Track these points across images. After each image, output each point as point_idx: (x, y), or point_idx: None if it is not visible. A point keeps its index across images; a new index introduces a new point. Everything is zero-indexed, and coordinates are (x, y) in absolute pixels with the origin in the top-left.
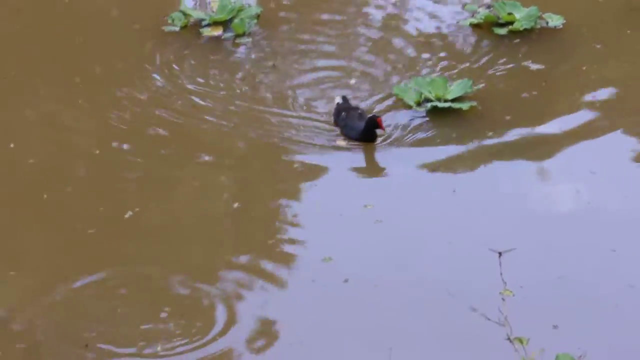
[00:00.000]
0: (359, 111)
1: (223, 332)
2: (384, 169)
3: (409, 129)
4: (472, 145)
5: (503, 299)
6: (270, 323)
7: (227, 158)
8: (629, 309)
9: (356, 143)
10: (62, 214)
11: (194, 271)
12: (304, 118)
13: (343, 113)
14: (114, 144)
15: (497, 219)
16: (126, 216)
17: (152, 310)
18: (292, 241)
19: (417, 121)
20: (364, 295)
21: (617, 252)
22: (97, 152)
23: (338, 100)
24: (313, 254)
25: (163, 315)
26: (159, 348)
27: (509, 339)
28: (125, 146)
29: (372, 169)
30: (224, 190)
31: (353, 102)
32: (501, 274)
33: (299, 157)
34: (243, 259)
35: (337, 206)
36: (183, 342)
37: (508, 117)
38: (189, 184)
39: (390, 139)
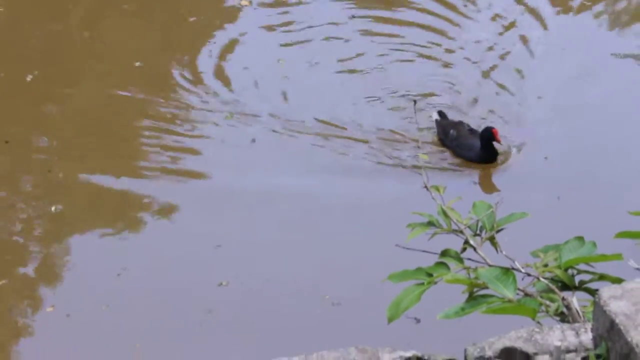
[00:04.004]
0: (467, 127)
1: None
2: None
3: None
4: None
5: (419, 147)
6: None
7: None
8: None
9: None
10: None
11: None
12: None
13: (452, 131)
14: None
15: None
16: (27, 79)
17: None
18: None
19: None
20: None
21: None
22: (1, 9)
23: (435, 116)
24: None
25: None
26: None
27: (425, 187)
28: (30, 7)
29: None
30: (127, 45)
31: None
32: (417, 122)
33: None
34: (148, 119)
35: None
36: None
37: None
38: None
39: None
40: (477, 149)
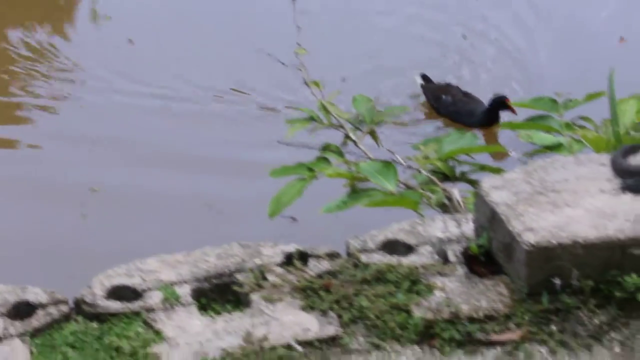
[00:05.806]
0: (459, 90)
1: None
2: None
3: None
4: None
5: (298, 44)
6: None
7: None
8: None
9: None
10: None
11: None
12: None
13: (444, 96)
14: None
15: None
16: None
17: None
18: None
19: None
20: None
21: None
22: None
23: (419, 81)
24: None
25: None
26: None
27: (305, 83)
28: None
29: None
30: None
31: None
32: (298, 27)
33: None
34: None
35: None
36: None
37: None
38: None
39: None
40: (478, 114)
